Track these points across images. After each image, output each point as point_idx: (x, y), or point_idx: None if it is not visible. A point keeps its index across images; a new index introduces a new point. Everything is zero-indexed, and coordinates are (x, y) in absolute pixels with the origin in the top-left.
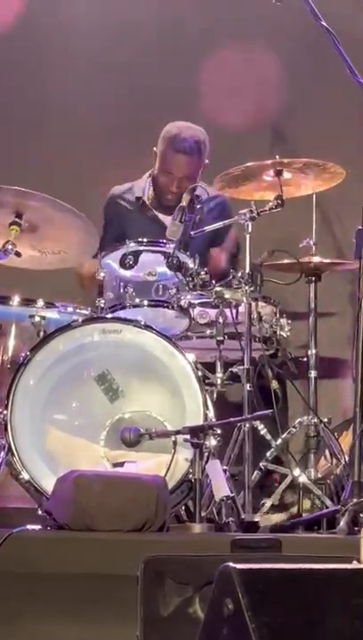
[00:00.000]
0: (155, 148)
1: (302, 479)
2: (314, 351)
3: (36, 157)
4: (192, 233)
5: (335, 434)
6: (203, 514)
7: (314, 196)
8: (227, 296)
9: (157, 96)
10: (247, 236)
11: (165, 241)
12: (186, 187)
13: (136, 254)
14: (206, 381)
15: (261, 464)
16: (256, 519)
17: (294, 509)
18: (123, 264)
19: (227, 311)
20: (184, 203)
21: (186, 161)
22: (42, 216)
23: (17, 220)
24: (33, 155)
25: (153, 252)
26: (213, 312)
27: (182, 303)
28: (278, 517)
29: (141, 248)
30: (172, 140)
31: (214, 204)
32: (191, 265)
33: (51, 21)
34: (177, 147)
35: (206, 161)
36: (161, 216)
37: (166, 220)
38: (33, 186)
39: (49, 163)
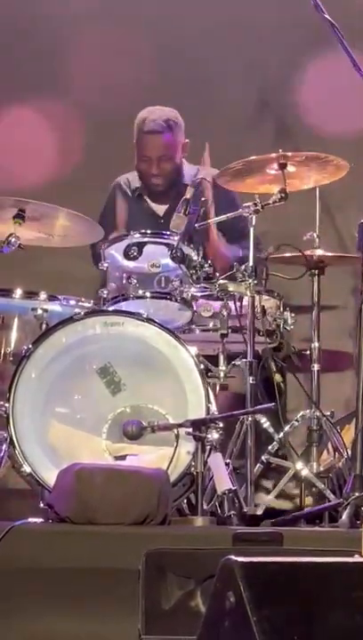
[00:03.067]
0: (134, 141)
1: (305, 472)
2: (317, 344)
3: (40, 146)
4: (197, 225)
5: (338, 427)
6: (205, 507)
7: (317, 189)
8: (231, 289)
9: (161, 86)
10: (252, 229)
11: (169, 233)
12: (167, 168)
13: (140, 245)
14: (209, 374)
15: (263, 457)
16: (258, 512)
17: (296, 501)
18: (127, 255)
19: (230, 304)
20: (188, 195)
21: (158, 140)
22: (44, 214)
23: (20, 213)
24: (36, 144)
25: (157, 243)
26: (216, 304)
27: (185, 295)
28: (277, 504)
29: (146, 239)
30: (141, 124)
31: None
32: (195, 257)
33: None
34: (146, 128)
35: (186, 140)
36: (154, 205)
37: (159, 209)
38: (36, 175)
39: (53, 152)
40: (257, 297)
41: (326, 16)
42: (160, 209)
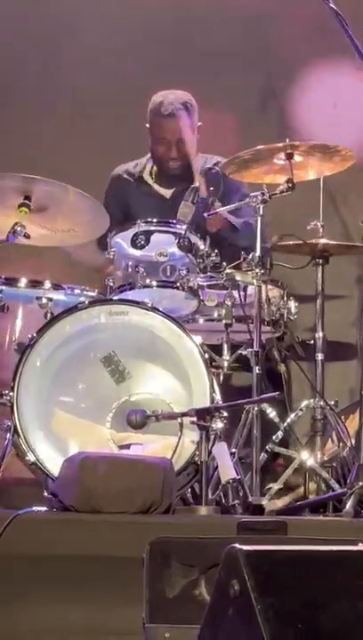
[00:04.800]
0: (147, 125)
1: (309, 462)
2: (321, 334)
3: (44, 135)
4: (206, 215)
5: (342, 417)
6: (210, 496)
7: (322, 179)
8: (238, 278)
9: (166, 76)
10: (259, 219)
11: (176, 221)
12: (185, 151)
13: (147, 234)
14: (213, 364)
15: (267, 447)
16: (263, 502)
17: (300, 491)
18: (134, 244)
19: (234, 293)
20: (198, 183)
21: (176, 123)
22: (50, 198)
23: (26, 201)
24: (40, 132)
25: (164, 232)
26: (220, 294)
27: (192, 284)
28: (282, 502)
29: (153, 228)
30: (157, 108)
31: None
32: (202, 247)
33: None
34: (164, 111)
35: (200, 123)
36: (162, 190)
37: (168, 193)
38: (41, 164)
39: (56, 141)
40: (263, 286)
41: (331, 5)
42: (166, 192)
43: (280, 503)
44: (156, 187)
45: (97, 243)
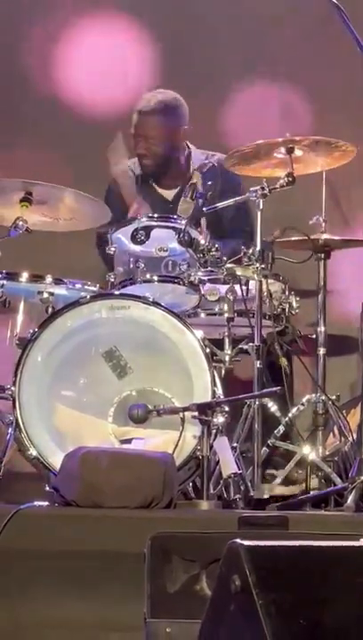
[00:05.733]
0: None
1: (311, 457)
2: (323, 328)
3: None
4: (205, 209)
5: (344, 411)
6: (211, 491)
7: (324, 173)
8: (238, 273)
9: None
10: (259, 213)
11: (176, 217)
12: (156, 150)
13: (148, 229)
14: (214, 358)
15: (269, 441)
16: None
17: (302, 486)
18: (134, 239)
19: (236, 288)
20: (195, 180)
21: (149, 121)
22: (52, 196)
23: (27, 196)
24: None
25: (165, 227)
26: (222, 288)
27: (193, 279)
28: (281, 490)
29: (153, 223)
30: (140, 107)
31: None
32: (202, 241)
33: None
34: (140, 108)
35: (185, 126)
36: (162, 191)
37: (168, 194)
38: (43, 158)
39: (59, 134)
40: (264, 281)
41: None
42: (169, 194)
43: (279, 490)
44: (158, 188)
45: (96, 242)
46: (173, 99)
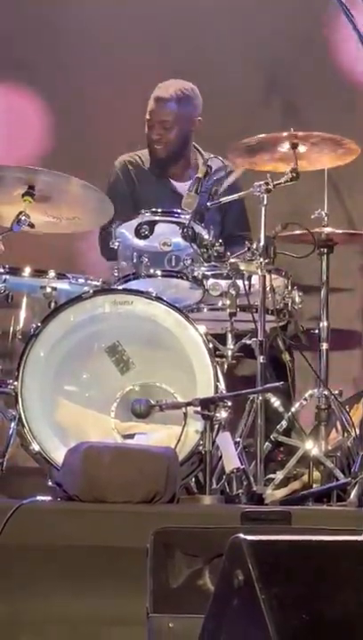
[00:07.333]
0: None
1: (314, 452)
2: (326, 323)
3: (49, 122)
4: (209, 204)
5: (346, 406)
6: (214, 486)
7: (326, 169)
8: (242, 268)
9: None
10: (262, 208)
11: (180, 211)
12: (169, 136)
13: (151, 224)
14: (217, 353)
15: (272, 436)
16: (267, 491)
17: (301, 482)
18: (138, 234)
19: (239, 283)
20: (200, 174)
21: (162, 107)
22: (54, 187)
23: (30, 190)
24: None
25: (168, 222)
26: (225, 283)
27: (196, 274)
28: (280, 493)
29: (157, 218)
30: (157, 94)
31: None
32: (206, 236)
33: None
34: (159, 96)
35: (199, 118)
36: (177, 184)
37: (183, 188)
38: (46, 151)
39: (60, 129)
40: (267, 275)
41: None
42: (183, 188)
43: (279, 494)
44: (174, 182)
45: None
46: (190, 88)
